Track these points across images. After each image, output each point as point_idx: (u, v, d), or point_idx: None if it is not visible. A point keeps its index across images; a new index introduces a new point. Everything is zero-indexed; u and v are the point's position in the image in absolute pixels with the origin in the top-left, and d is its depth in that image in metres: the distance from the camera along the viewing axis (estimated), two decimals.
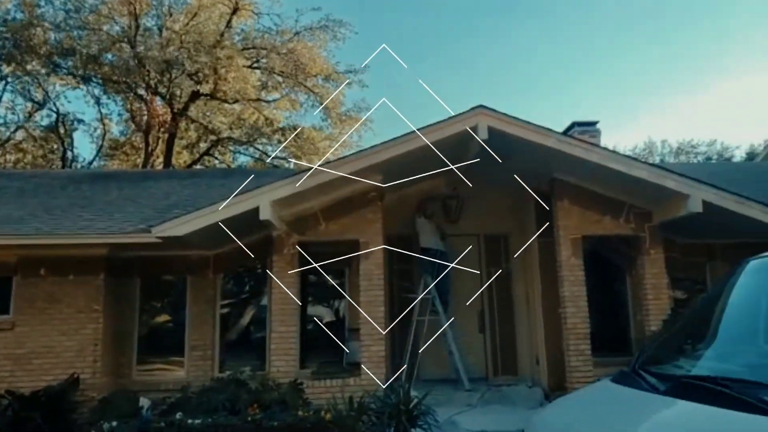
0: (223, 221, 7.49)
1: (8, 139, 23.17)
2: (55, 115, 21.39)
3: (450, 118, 7.47)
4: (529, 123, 7.46)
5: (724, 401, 2.03)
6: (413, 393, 7.65)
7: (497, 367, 9.67)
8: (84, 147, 35.24)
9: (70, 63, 18.78)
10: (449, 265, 9.44)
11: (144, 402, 8.06)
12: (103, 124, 23.54)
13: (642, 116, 54.29)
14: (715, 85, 53.10)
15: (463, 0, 40.72)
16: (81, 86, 19.87)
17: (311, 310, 9.77)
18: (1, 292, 8.31)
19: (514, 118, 7.48)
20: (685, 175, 7.57)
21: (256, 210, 7.32)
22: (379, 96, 41.77)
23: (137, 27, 17.67)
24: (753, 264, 3.05)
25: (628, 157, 7.53)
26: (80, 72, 18.56)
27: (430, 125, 7.47)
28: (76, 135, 23.77)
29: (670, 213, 7.95)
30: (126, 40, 17.56)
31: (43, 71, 18.63)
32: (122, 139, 24.64)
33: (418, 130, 7.45)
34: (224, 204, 7.25)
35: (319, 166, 7.62)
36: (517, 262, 9.79)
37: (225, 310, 9.52)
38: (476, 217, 9.89)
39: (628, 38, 50.41)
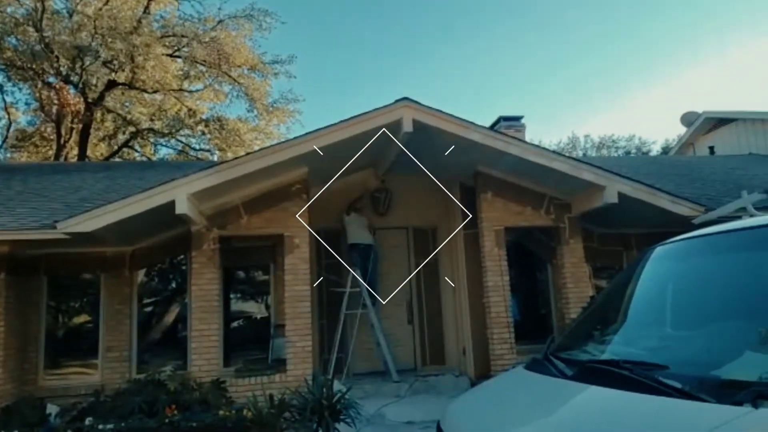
0: (137, 216, 7.13)
1: None
2: None
3: (375, 110, 7.41)
4: (452, 116, 7.50)
5: (626, 384, 2.06)
6: (338, 387, 7.60)
7: (425, 357, 9.74)
8: None
9: None
10: (377, 259, 9.43)
11: (52, 409, 7.62)
12: (8, 113, 22.04)
13: (567, 113, 56.34)
14: (638, 84, 55.76)
15: None
16: None
17: (236, 306, 9.50)
18: None
19: (438, 111, 7.50)
20: (601, 167, 7.84)
21: (172, 204, 7.00)
22: (309, 87, 41.33)
23: (43, 9, 16.52)
24: (658, 251, 3.13)
25: (548, 150, 7.72)
26: None
27: (355, 117, 7.38)
28: None
29: (588, 204, 8.21)
30: (31, 23, 16.40)
31: None
32: (31, 129, 23.15)
33: (342, 121, 7.34)
34: (136, 198, 6.90)
35: (239, 157, 7.37)
36: (444, 254, 9.88)
37: (145, 309, 9.12)
38: (405, 210, 9.90)
39: (554, 33, 52.08)
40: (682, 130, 16.04)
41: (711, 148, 14.24)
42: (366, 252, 9.27)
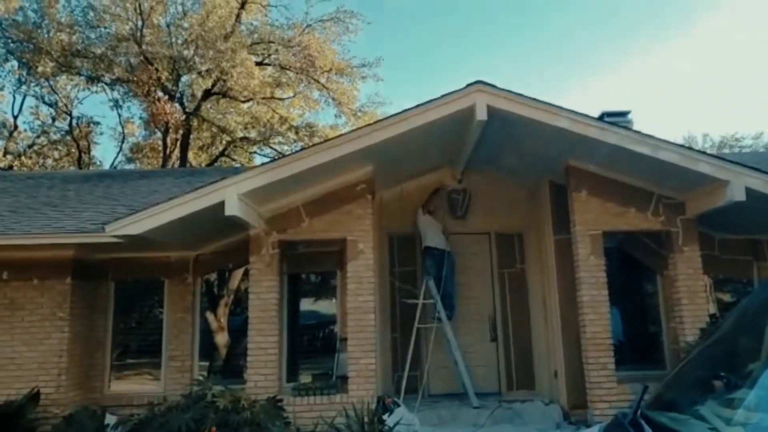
0: (190, 218, 6.66)
1: (32, 144, 23.12)
2: (69, 119, 21.13)
3: (444, 96, 6.48)
4: (534, 100, 6.41)
5: None
6: (402, 413, 6.72)
7: (511, 380, 8.60)
8: (110, 151, 35.20)
9: (82, 64, 18.37)
10: (453, 267, 8.47)
11: (110, 419, 7.32)
12: (123, 127, 23.28)
13: (678, 110, 51.84)
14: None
15: None
16: (92, 87, 19.48)
17: (303, 316, 8.86)
18: None
19: (517, 94, 6.45)
20: (723, 157, 6.40)
21: (223, 205, 6.45)
22: (397, 90, 40.77)
23: (143, 25, 17.10)
24: None
25: (653, 137, 6.39)
26: (91, 72, 18.14)
27: (421, 105, 6.49)
28: (102, 139, 23.56)
29: (707, 203, 6.77)
30: (132, 38, 17.01)
31: (56, 72, 18.24)
32: (143, 142, 24.34)
33: (406, 110, 6.48)
34: (183, 199, 6.42)
35: (292, 154, 6.72)
36: (532, 263, 8.71)
37: (208, 318, 8.71)
38: (486, 214, 8.86)
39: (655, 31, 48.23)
40: None
41: None
42: (440, 259, 8.32)
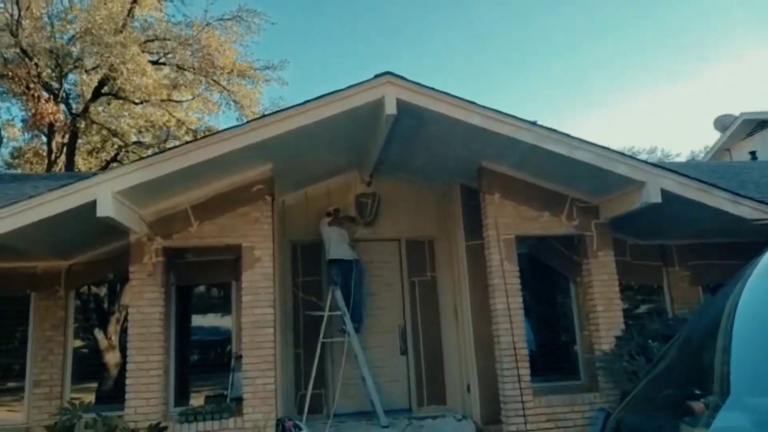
0: (56, 220, 5.63)
1: None
2: None
3: (350, 87, 5.89)
4: (447, 94, 5.97)
5: None
6: None
7: (422, 395, 8.07)
8: None
9: None
10: (362, 277, 7.89)
11: None
12: (0, 129, 21.00)
13: (573, 120, 54.46)
14: (651, 90, 53.91)
15: None
16: None
17: (194, 333, 7.93)
18: None
19: (429, 88, 5.98)
20: (638, 159, 6.24)
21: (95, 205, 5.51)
22: (305, 94, 39.95)
23: (20, 15, 15.40)
24: None
25: (570, 136, 6.13)
26: None
27: (324, 96, 5.87)
28: None
29: (622, 206, 6.60)
30: (8, 29, 15.25)
31: None
32: (25, 146, 22.10)
33: (308, 101, 5.84)
34: (48, 197, 5.43)
35: (177, 146, 5.90)
36: (444, 271, 8.28)
37: (81, 337, 7.62)
38: (396, 219, 8.33)
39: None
40: (709, 138, 14.44)
41: (753, 153, 12.51)
42: (348, 268, 7.71)
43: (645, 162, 6.19)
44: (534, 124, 6.06)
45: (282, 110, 5.95)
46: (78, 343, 7.55)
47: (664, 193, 6.01)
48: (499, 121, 6.11)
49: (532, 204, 7.00)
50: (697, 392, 1.64)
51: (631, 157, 6.19)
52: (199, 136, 17.99)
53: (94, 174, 6.18)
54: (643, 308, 8.22)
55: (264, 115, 6.08)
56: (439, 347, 8.19)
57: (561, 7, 45.09)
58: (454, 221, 7.90)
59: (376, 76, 5.92)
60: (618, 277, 6.98)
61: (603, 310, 6.75)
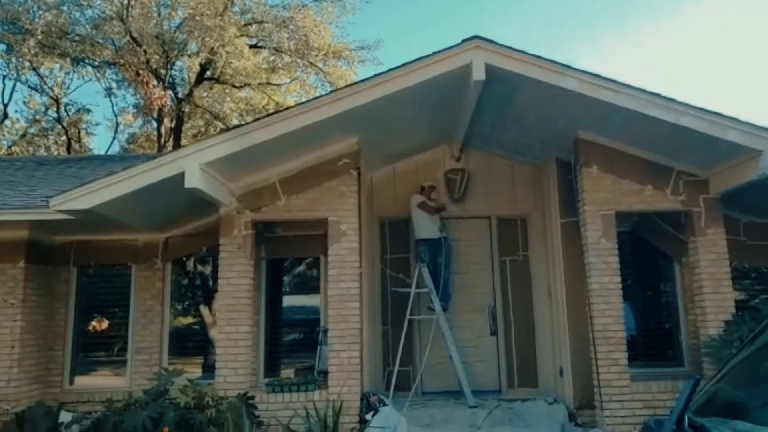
0: (147, 191, 5.84)
1: (24, 134, 22.43)
2: (56, 106, 20.42)
3: (434, 53, 5.67)
4: (538, 57, 5.60)
5: None
6: (389, 411, 5.97)
7: (512, 377, 7.82)
8: (106, 142, 34.32)
9: (66, 44, 17.56)
10: (450, 255, 7.70)
11: (65, 417, 6.62)
12: (116, 116, 22.59)
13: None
14: None
15: None
16: (80, 71, 18.73)
17: (286, 305, 8.09)
18: None
19: (520, 51, 5.64)
20: (755, 124, 5.58)
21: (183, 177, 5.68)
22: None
23: (128, 4, 16.30)
24: None
25: (676, 101, 5.57)
26: (76, 54, 17.35)
27: (407, 63, 5.69)
28: (98, 130, 22.78)
29: (735, 179, 5.96)
30: (118, 17, 16.23)
31: (37, 53, 17.40)
32: (139, 132, 23.63)
33: (390, 70, 5.69)
34: (138, 169, 5.65)
35: (263, 117, 5.95)
36: (537, 250, 7.90)
37: (178, 307, 7.98)
38: (486, 196, 8.04)
39: None
40: None
41: None
42: (436, 245, 7.55)
43: (764, 128, 5.50)
44: (635, 88, 5.56)
45: (367, 79, 5.82)
46: (174, 312, 7.90)
47: None
48: (598, 86, 5.67)
49: (633, 177, 6.48)
50: None
51: (747, 123, 5.52)
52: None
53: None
54: (759, 293, 7.45)
55: (348, 85, 5.97)
56: (531, 328, 7.87)
57: None
58: (549, 198, 7.49)
59: (464, 41, 5.65)
60: (729, 258, 6.33)
61: (710, 292, 6.16)
